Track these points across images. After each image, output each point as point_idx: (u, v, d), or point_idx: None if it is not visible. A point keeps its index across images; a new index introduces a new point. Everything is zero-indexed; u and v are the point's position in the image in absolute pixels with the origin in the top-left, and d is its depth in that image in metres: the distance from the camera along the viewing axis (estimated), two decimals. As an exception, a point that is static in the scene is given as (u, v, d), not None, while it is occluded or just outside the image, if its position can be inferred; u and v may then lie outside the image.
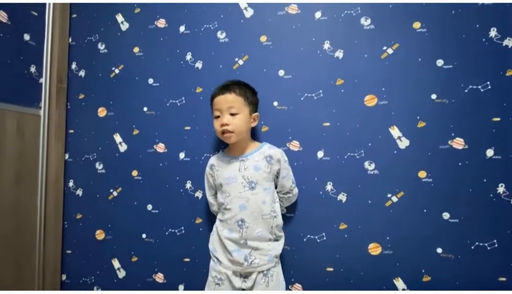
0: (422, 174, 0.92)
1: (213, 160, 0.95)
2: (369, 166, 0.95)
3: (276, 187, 0.92)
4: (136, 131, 1.12)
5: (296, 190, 0.94)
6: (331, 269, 0.95)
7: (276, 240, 0.87)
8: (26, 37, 1.06)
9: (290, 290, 0.97)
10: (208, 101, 0.96)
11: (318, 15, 1.01)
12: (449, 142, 0.91)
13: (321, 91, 0.99)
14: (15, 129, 1.00)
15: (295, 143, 0.99)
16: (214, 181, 0.93)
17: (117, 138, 1.13)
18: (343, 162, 0.96)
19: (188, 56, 1.10)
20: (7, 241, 0.97)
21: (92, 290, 1.11)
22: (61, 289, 1.13)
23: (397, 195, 0.93)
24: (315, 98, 0.99)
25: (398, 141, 0.94)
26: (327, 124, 0.98)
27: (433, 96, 0.93)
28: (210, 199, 0.97)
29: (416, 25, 0.95)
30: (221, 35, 1.08)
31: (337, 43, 0.99)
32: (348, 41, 0.99)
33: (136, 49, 1.14)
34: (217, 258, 0.87)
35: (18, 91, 1.03)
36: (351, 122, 0.97)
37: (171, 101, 1.11)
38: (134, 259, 1.09)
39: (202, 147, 1.06)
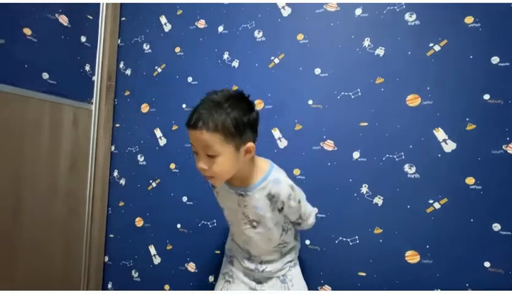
0: (470, 180, 0.85)
1: (219, 188, 0.78)
2: (409, 169, 0.90)
3: None
4: (175, 127, 1.18)
5: (310, 221, 0.78)
6: (364, 274, 0.92)
7: (290, 250, 0.81)
8: (83, 38, 1.17)
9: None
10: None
11: (358, 11, 0.98)
12: (504, 147, 0.83)
13: (359, 90, 0.96)
14: (71, 122, 1.11)
15: (329, 143, 0.98)
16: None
17: (158, 132, 1.20)
18: (380, 163, 0.92)
19: (226, 55, 1.13)
20: (60, 222, 1.08)
21: (131, 273, 1.19)
22: (104, 270, 1.23)
23: (440, 201, 0.87)
24: (353, 97, 0.97)
25: (443, 144, 0.88)
26: (365, 123, 0.95)
27: (486, 96, 0.85)
28: None
29: (469, 20, 0.88)
30: (258, 34, 1.10)
31: (378, 40, 0.96)
32: (390, 38, 0.95)
33: (177, 49, 1.20)
34: (230, 257, 0.84)
35: (75, 88, 1.14)
36: (391, 122, 0.92)
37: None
38: (169, 247, 1.15)
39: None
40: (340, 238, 0.95)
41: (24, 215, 0.95)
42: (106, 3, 1.23)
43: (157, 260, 1.16)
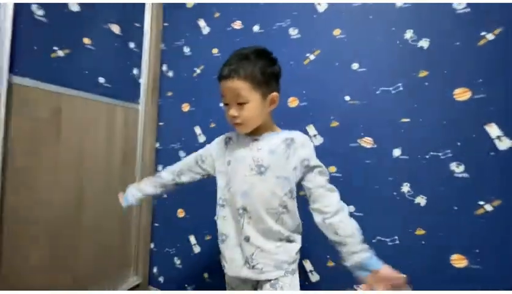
0: (529, 181, 0.77)
1: (231, 133, 0.81)
2: (457, 168, 0.84)
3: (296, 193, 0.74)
4: (213, 125, 1.24)
5: (345, 212, 0.70)
6: (404, 276, 0.89)
7: (288, 241, 0.71)
8: (131, 45, 1.29)
9: (358, 288, 0.94)
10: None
11: (399, 2, 0.94)
12: None
13: (400, 84, 0.93)
14: (122, 121, 1.23)
15: (368, 140, 0.95)
16: (213, 162, 0.80)
17: (197, 130, 1.27)
18: (424, 161, 0.88)
19: (261, 54, 1.16)
20: (115, 212, 1.21)
21: (173, 260, 1.29)
22: (150, 256, 1.35)
23: (492, 203, 0.81)
24: (393, 92, 0.93)
25: (497, 141, 0.81)
26: (407, 119, 0.91)
27: (552, 88, 0.76)
28: (181, 165, 0.88)
29: (531, 3, 0.79)
30: (293, 32, 1.11)
31: (421, 31, 0.91)
32: (435, 28, 0.89)
33: (215, 51, 1.26)
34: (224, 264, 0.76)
35: (125, 90, 1.26)
36: (436, 118, 0.87)
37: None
38: (208, 237, 1.22)
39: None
40: (378, 238, 0.92)
41: (85, 204, 1.09)
42: (151, 11, 1.33)
43: (197, 249, 1.24)
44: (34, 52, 0.91)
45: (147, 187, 0.88)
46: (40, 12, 0.92)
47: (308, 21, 1.07)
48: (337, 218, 0.68)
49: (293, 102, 1.08)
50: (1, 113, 0.80)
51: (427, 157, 0.88)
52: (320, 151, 1.04)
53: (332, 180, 0.93)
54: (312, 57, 1.06)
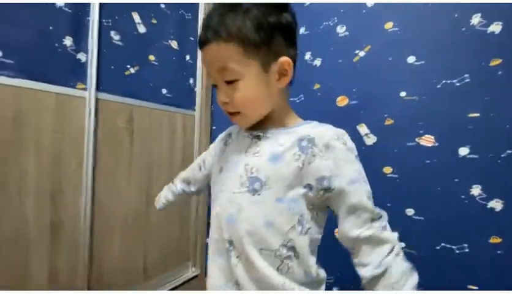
0: None
1: (233, 128, 0.59)
2: (543, 168, 0.73)
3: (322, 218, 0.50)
4: (261, 127, 1.29)
5: (384, 223, 0.46)
6: (475, 287, 0.80)
7: (311, 285, 0.47)
8: (187, 57, 1.42)
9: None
10: (325, 98, 1.00)
11: (463, -15, 0.85)
12: None
13: (466, 75, 0.84)
14: (181, 126, 1.37)
15: (428, 138, 0.88)
16: (210, 165, 0.62)
17: (247, 132, 1.34)
18: (498, 161, 0.78)
19: (307, 55, 1.17)
20: (176, 209, 1.35)
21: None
22: (206, 248, 1.46)
23: None
24: (458, 84, 0.85)
25: None
26: (476, 114, 0.82)
27: None
28: (185, 175, 0.74)
29: None
30: (340, 30, 1.09)
31: (491, 15, 0.81)
32: (508, 10, 0.78)
33: (262, 55, 1.31)
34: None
35: (183, 98, 1.40)
36: (513, 111, 0.77)
37: (290, 99, 1.21)
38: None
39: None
40: (443, 244, 0.85)
41: (152, 200, 1.24)
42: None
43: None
44: (112, 71, 1.08)
45: (169, 194, 0.77)
46: (117, 37, 1.09)
47: (357, 16, 1.04)
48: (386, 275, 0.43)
49: (342, 101, 1.06)
50: (91, 124, 0.98)
51: (503, 155, 0.78)
52: (372, 151, 1.00)
53: (388, 181, 0.89)
54: (361, 53, 1.03)
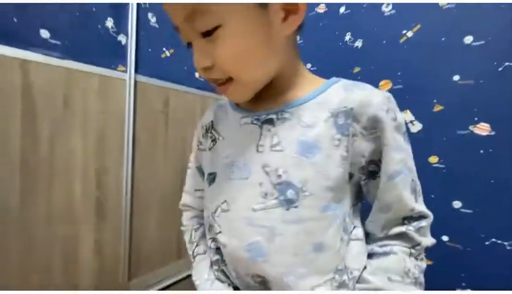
0: None
1: (217, 110, 0.45)
2: None
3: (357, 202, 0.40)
4: (295, 112, 1.26)
5: (428, 217, 0.39)
6: (529, 287, 0.75)
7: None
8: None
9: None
10: (365, 82, 0.94)
11: (540, -48, 0.74)
12: None
13: (534, 57, 0.75)
14: (213, 110, 1.38)
15: (483, 126, 0.81)
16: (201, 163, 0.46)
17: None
18: None
19: (348, 36, 1.10)
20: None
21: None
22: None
23: None
24: (523, 67, 0.76)
25: None
26: (543, 101, 0.74)
27: None
28: (189, 199, 0.51)
29: None
30: (386, 8, 1.01)
31: None
32: None
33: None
34: None
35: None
36: None
37: (327, 83, 1.16)
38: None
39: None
40: (493, 240, 0.80)
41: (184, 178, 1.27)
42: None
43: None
44: (150, 54, 1.09)
45: (204, 267, 0.46)
46: (154, 19, 1.09)
47: (406, -7, 0.96)
48: None
49: (385, 86, 1.00)
50: (131, 106, 1.00)
51: None
52: (417, 139, 0.94)
53: (434, 171, 0.86)
54: (409, 34, 0.95)
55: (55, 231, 0.82)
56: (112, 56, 0.94)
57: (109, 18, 0.92)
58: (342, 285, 0.33)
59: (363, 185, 0.38)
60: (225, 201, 0.35)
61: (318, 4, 1.18)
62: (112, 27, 0.93)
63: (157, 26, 1.10)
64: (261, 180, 0.33)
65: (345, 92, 0.36)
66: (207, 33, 0.31)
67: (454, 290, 0.85)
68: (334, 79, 0.40)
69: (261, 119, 0.36)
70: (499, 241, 0.79)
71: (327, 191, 0.33)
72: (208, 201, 0.39)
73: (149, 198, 1.11)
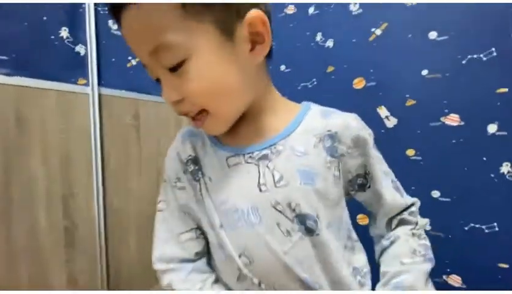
0: None
1: (189, 143, 0.41)
2: None
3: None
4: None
5: (415, 207, 0.44)
6: (506, 266, 0.79)
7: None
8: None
9: (445, 280, 0.88)
10: (339, 81, 0.95)
11: (490, -50, 0.79)
12: None
13: (493, 49, 0.80)
14: (186, 118, 1.31)
15: (453, 117, 0.85)
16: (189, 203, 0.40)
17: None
18: (530, 137, 0.75)
19: (318, 36, 1.10)
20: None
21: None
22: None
23: None
24: (485, 59, 0.81)
25: None
26: (504, 89, 0.78)
27: None
28: (176, 249, 0.40)
29: None
30: (354, 8, 1.02)
31: (523, -19, 0.76)
32: (543, -26, 0.73)
33: (269, 39, 1.24)
34: None
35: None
36: (546, 84, 0.74)
37: (301, 84, 1.16)
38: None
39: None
40: (472, 225, 0.83)
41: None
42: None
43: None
44: (114, 64, 1.01)
45: None
46: (115, 26, 1.01)
47: (372, -8, 0.98)
48: None
49: (359, 83, 1.01)
50: (96, 122, 0.92)
51: (535, 131, 0.75)
52: (394, 134, 0.97)
53: (412, 164, 0.88)
54: (378, 32, 0.98)
55: (19, 271, 0.72)
56: (71, 68, 0.86)
57: (63, 28, 0.84)
58: (361, 285, 0.38)
59: (355, 196, 0.43)
60: (242, 254, 0.33)
61: (287, 5, 1.18)
62: (68, 37, 0.85)
63: (119, 33, 1.02)
64: (278, 221, 0.33)
65: (324, 118, 0.38)
66: (173, 68, 0.30)
67: (441, 277, 0.88)
68: (305, 104, 0.43)
69: (254, 156, 0.35)
70: (477, 226, 0.83)
71: (334, 211, 0.36)
72: (232, 252, 0.35)
73: (124, 218, 1.04)
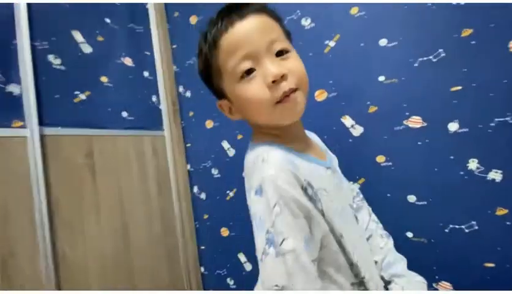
0: None
1: (301, 170, 0.42)
2: (533, 130, 0.72)
3: None
4: (240, 136, 1.19)
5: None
6: (492, 265, 0.77)
7: None
8: (145, 73, 1.29)
9: (436, 288, 0.83)
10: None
11: (422, -40, 0.84)
12: None
13: (441, 50, 0.82)
14: (151, 150, 1.23)
15: (415, 119, 0.85)
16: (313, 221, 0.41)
17: (225, 144, 1.23)
18: (489, 131, 0.76)
19: (276, 53, 1.10)
20: (159, 239, 1.20)
21: (226, 281, 1.25)
22: (202, 280, 1.32)
23: None
24: (434, 60, 0.82)
25: None
26: (458, 87, 0.80)
27: None
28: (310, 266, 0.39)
29: None
30: (306, 22, 1.03)
31: (456, -15, 0.80)
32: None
33: (228, 60, 1.22)
34: None
35: (148, 119, 1.26)
36: (494, 79, 0.76)
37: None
38: (257, 254, 1.17)
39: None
40: (451, 226, 0.81)
41: (131, 241, 1.08)
42: (158, 36, 1.32)
43: (248, 267, 1.19)
44: (58, 101, 0.92)
45: None
46: (57, 61, 0.93)
47: (321, 6, 1.00)
48: None
49: (320, 95, 1.00)
50: (38, 167, 0.81)
51: (492, 124, 0.76)
52: (361, 142, 0.95)
53: (384, 170, 0.86)
54: (332, 44, 0.98)
55: None
56: (2, 110, 0.76)
57: (-9, 67, 0.75)
58: None
59: None
60: (351, 241, 0.46)
61: (242, 26, 1.17)
62: (-2, 77, 0.76)
63: (62, 67, 0.95)
64: (350, 211, 0.52)
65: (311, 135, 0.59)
66: (280, 53, 0.43)
67: (431, 285, 0.84)
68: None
69: (328, 165, 0.51)
70: (457, 226, 0.81)
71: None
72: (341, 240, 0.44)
73: (83, 272, 0.90)
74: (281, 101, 0.42)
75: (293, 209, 0.37)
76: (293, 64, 0.44)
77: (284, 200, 0.37)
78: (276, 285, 0.35)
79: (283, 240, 0.36)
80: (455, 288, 0.81)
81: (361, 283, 0.45)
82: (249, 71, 0.42)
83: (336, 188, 0.48)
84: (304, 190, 0.40)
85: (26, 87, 0.82)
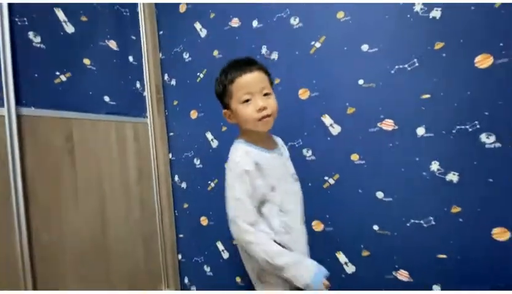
0: None
1: (253, 157, 0.71)
2: (487, 139, 0.81)
3: None
4: (224, 128, 1.22)
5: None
6: (444, 256, 0.86)
7: None
8: (130, 58, 1.26)
9: (395, 276, 0.92)
10: (286, 92, 0.97)
11: (404, -27, 0.89)
12: None
13: (415, 60, 0.88)
14: (132, 137, 1.22)
15: (388, 122, 0.92)
16: (255, 188, 0.71)
17: (209, 135, 1.25)
18: (451, 137, 0.84)
19: (264, 49, 1.12)
20: (138, 227, 1.20)
21: (203, 268, 1.28)
22: (179, 267, 1.34)
23: (530, 170, 0.77)
24: (409, 69, 0.89)
25: (528, 105, 0.77)
26: (427, 95, 0.87)
27: None
28: (254, 217, 0.71)
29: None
30: (294, 22, 1.07)
31: (431, 2, 0.86)
32: (447, -5, 0.84)
33: (215, 53, 1.23)
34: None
35: (131, 105, 1.24)
36: (458, 89, 0.83)
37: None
38: (235, 242, 1.21)
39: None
40: (412, 221, 0.90)
41: (109, 226, 1.08)
42: (145, 21, 1.30)
43: (225, 255, 1.23)
44: (37, 81, 0.89)
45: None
46: (37, 39, 0.90)
47: (309, 7, 1.03)
48: None
49: (303, 94, 1.05)
50: (15, 148, 0.79)
51: (454, 131, 0.84)
52: (338, 141, 1.01)
53: (356, 168, 0.92)
54: (317, 44, 1.03)
55: None
56: (-23, 87, 0.73)
57: (-34, 41, 0.72)
58: None
59: None
60: (284, 191, 0.77)
61: (231, 18, 1.18)
62: (-28, 52, 0.73)
63: (43, 46, 0.91)
64: (289, 176, 0.81)
65: (276, 138, 0.87)
66: (266, 94, 0.73)
67: (391, 273, 0.93)
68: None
69: (278, 153, 0.80)
70: (417, 221, 0.89)
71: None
72: (276, 192, 0.76)
73: (61, 255, 0.90)
74: (261, 120, 0.72)
75: (243, 177, 0.70)
76: (272, 102, 0.73)
77: (240, 171, 0.70)
78: (231, 216, 0.70)
79: (236, 192, 0.70)
80: (412, 276, 0.91)
81: (286, 225, 0.74)
82: (247, 100, 0.72)
83: (279, 165, 0.78)
84: (256, 165, 0.72)
85: (4, 64, 0.78)
